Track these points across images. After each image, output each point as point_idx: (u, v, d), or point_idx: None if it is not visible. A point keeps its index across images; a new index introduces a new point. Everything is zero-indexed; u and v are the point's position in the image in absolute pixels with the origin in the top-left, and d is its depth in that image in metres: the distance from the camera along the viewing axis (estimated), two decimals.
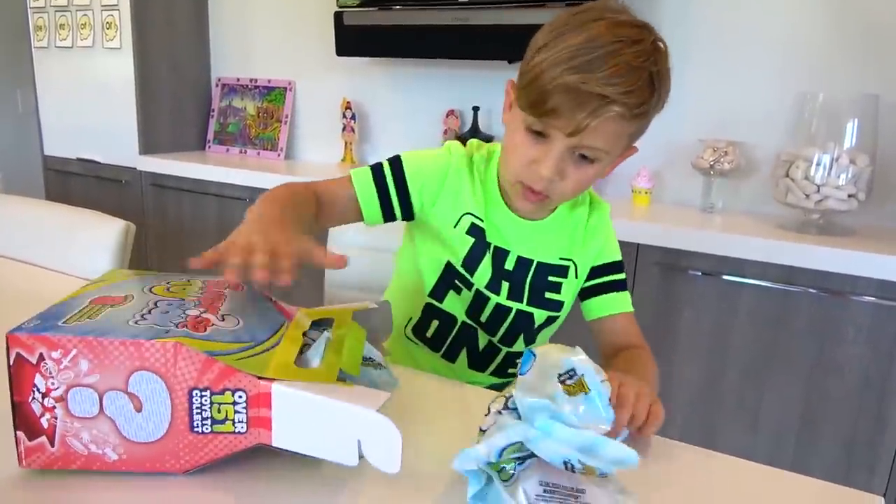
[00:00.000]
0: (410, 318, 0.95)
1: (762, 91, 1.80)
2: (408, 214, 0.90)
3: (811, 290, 1.48)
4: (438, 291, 0.91)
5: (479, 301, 0.90)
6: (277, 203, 0.75)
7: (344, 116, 2.39)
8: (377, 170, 0.88)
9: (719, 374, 1.60)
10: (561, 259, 0.90)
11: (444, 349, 0.94)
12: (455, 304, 0.91)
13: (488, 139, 2.13)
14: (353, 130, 2.39)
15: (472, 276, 0.88)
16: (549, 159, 0.76)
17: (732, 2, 1.81)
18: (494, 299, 0.89)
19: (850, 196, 1.53)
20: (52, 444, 0.54)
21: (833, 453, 1.51)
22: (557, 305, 0.91)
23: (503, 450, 0.51)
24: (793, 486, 0.60)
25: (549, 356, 0.55)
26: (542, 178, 0.77)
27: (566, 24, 0.74)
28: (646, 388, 0.67)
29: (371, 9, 2.13)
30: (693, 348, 1.63)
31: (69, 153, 2.73)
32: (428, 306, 0.93)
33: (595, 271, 0.92)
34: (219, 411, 0.53)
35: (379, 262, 1.19)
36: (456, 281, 0.90)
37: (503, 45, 1.98)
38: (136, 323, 0.55)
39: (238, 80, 2.70)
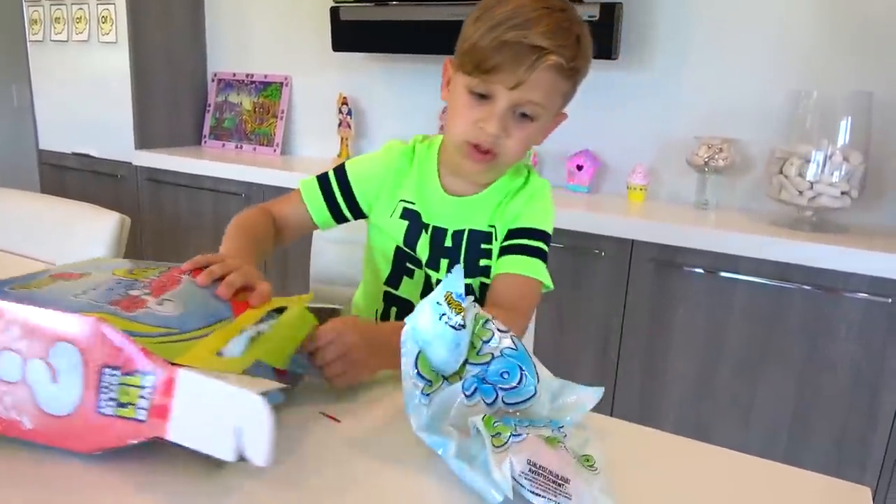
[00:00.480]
0: (377, 310, 1.00)
1: (757, 88, 1.80)
2: (358, 214, 0.98)
3: (804, 287, 1.49)
4: (393, 279, 0.97)
5: (430, 283, 0.94)
6: (241, 239, 0.87)
7: (340, 112, 2.39)
8: (323, 178, 0.98)
9: (713, 370, 1.61)
10: (489, 226, 0.93)
11: None
12: (409, 289, 0.96)
13: None
14: (349, 126, 2.39)
15: (414, 253, 0.93)
16: (493, 117, 0.81)
17: (729, 3, 1.81)
18: (434, 276, 0.93)
19: (843, 193, 1.54)
20: None
21: (825, 449, 1.52)
22: (488, 271, 0.93)
23: (416, 361, 0.57)
24: (782, 476, 0.60)
25: None
26: (489, 135, 0.82)
27: (495, 1, 0.81)
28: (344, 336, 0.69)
29: (367, 4, 2.13)
30: (687, 344, 1.63)
31: (64, 148, 2.72)
32: (386, 294, 0.98)
33: (510, 233, 0.92)
34: (126, 394, 0.53)
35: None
36: (407, 264, 0.95)
37: None
38: (76, 297, 0.56)
39: (234, 75, 2.70)
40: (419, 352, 0.57)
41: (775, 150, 1.64)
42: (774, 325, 1.53)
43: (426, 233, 0.93)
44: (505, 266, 0.90)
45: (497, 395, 0.59)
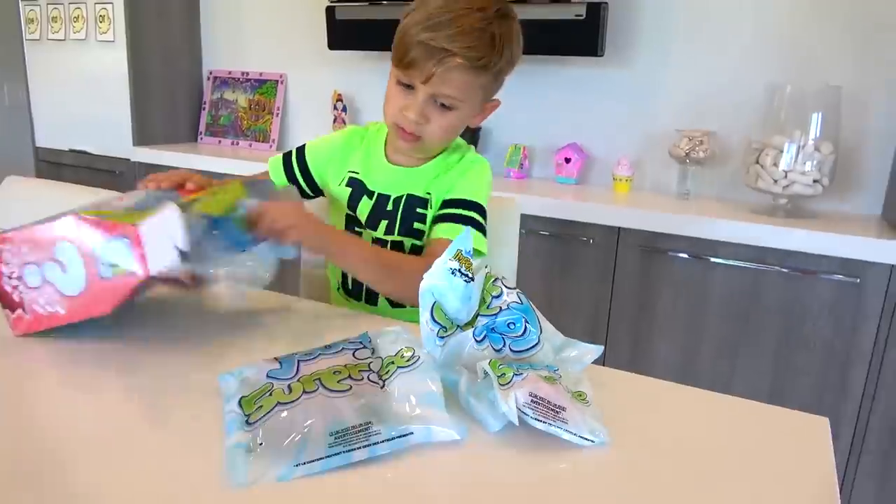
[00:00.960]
0: (338, 279, 1.10)
1: (734, 83, 1.90)
2: (316, 190, 1.11)
3: (780, 269, 1.58)
4: None
5: (375, 244, 1.04)
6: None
7: (335, 108, 2.46)
8: (286, 156, 1.12)
9: (696, 349, 1.70)
10: (426, 193, 1.03)
11: (364, 297, 1.07)
12: None
13: (475, 131, 2.21)
14: (344, 122, 2.46)
15: (356, 214, 1.05)
16: (414, 105, 0.93)
17: (706, 4, 1.90)
18: (371, 234, 1.03)
19: (815, 181, 1.64)
20: (26, 313, 0.77)
21: None
22: (421, 234, 1.03)
23: (432, 311, 0.66)
24: (748, 410, 0.69)
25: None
26: (410, 122, 0.94)
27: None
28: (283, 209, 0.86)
29: (362, 3, 2.20)
30: (672, 326, 1.72)
31: (62, 145, 2.77)
32: None
33: (444, 203, 1.01)
34: (114, 257, 0.72)
35: None
36: (355, 228, 1.05)
37: None
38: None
39: (230, 72, 2.76)
40: (435, 302, 0.65)
41: (752, 141, 1.74)
42: (753, 306, 1.62)
43: (370, 199, 1.03)
44: (438, 233, 0.98)
45: (504, 342, 0.67)
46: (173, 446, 0.58)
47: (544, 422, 0.57)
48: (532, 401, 0.58)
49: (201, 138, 2.80)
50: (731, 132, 1.91)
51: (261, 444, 0.56)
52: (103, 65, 2.57)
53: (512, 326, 0.67)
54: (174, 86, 2.72)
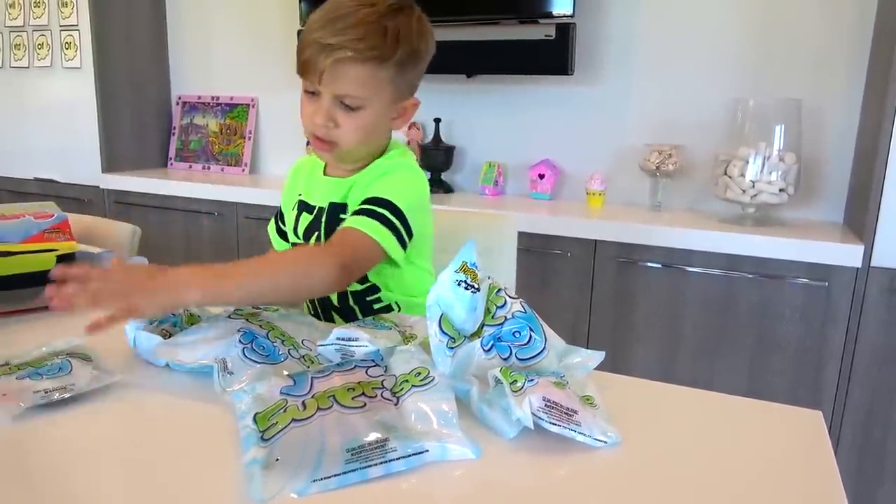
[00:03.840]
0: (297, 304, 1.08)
1: (700, 98, 1.97)
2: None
3: (751, 276, 1.64)
4: None
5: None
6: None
7: None
8: (273, 218, 1.13)
9: (674, 356, 1.75)
10: (344, 198, 1.01)
11: (320, 317, 1.05)
12: None
13: (449, 149, 2.24)
14: None
15: (296, 235, 1.04)
16: (319, 109, 0.91)
17: (671, 22, 1.98)
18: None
19: (781, 190, 1.71)
20: None
21: None
22: None
23: (440, 322, 0.67)
24: (744, 408, 0.72)
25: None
26: (318, 126, 0.92)
27: (330, 2, 0.91)
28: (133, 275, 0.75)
29: None
30: (650, 334, 1.77)
31: (25, 174, 2.71)
32: None
33: (361, 202, 0.95)
34: None
35: None
36: None
37: (462, 60, 2.10)
38: None
39: (199, 97, 2.74)
40: (442, 314, 0.67)
41: (719, 153, 1.80)
42: (727, 312, 1.67)
43: (310, 213, 1.02)
44: (345, 223, 0.93)
45: (511, 351, 0.69)
46: (189, 462, 0.59)
47: (559, 425, 0.59)
48: (546, 405, 0.60)
49: (171, 164, 2.77)
50: (699, 145, 1.98)
51: (277, 459, 0.57)
52: (70, 91, 2.54)
53: (517, 335, 0.69)
54: (143, 111, 2.70)
